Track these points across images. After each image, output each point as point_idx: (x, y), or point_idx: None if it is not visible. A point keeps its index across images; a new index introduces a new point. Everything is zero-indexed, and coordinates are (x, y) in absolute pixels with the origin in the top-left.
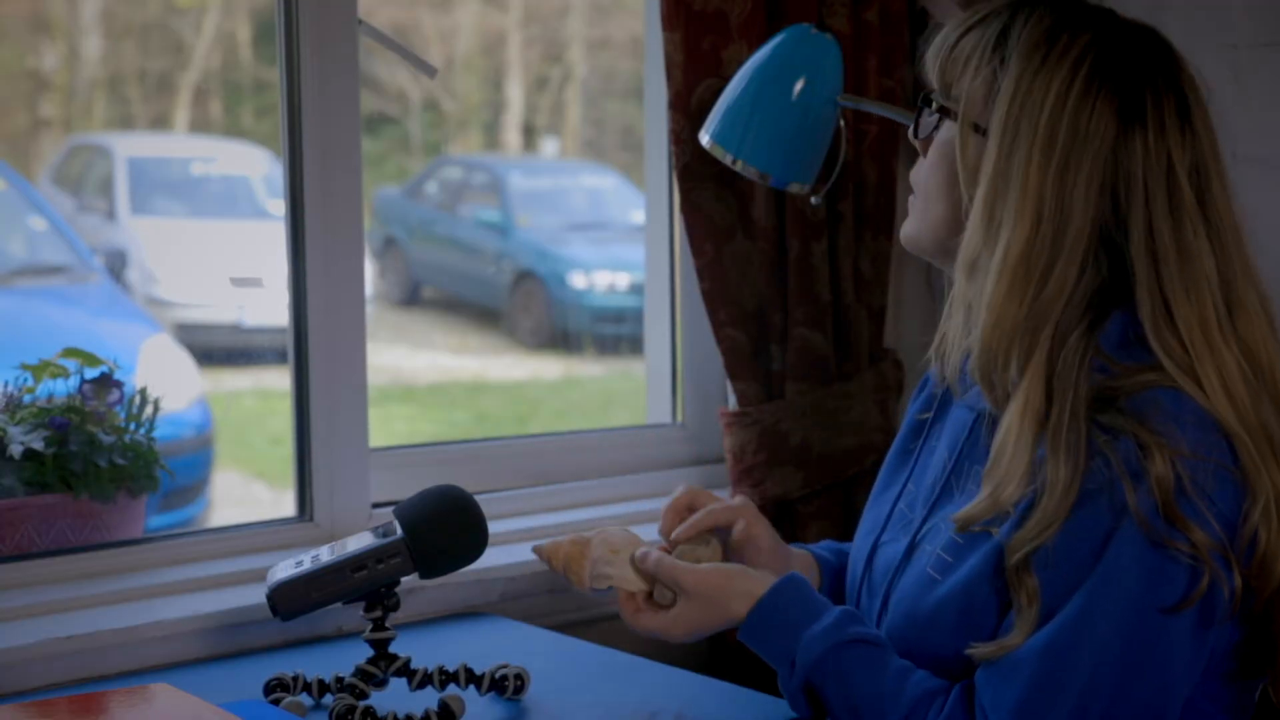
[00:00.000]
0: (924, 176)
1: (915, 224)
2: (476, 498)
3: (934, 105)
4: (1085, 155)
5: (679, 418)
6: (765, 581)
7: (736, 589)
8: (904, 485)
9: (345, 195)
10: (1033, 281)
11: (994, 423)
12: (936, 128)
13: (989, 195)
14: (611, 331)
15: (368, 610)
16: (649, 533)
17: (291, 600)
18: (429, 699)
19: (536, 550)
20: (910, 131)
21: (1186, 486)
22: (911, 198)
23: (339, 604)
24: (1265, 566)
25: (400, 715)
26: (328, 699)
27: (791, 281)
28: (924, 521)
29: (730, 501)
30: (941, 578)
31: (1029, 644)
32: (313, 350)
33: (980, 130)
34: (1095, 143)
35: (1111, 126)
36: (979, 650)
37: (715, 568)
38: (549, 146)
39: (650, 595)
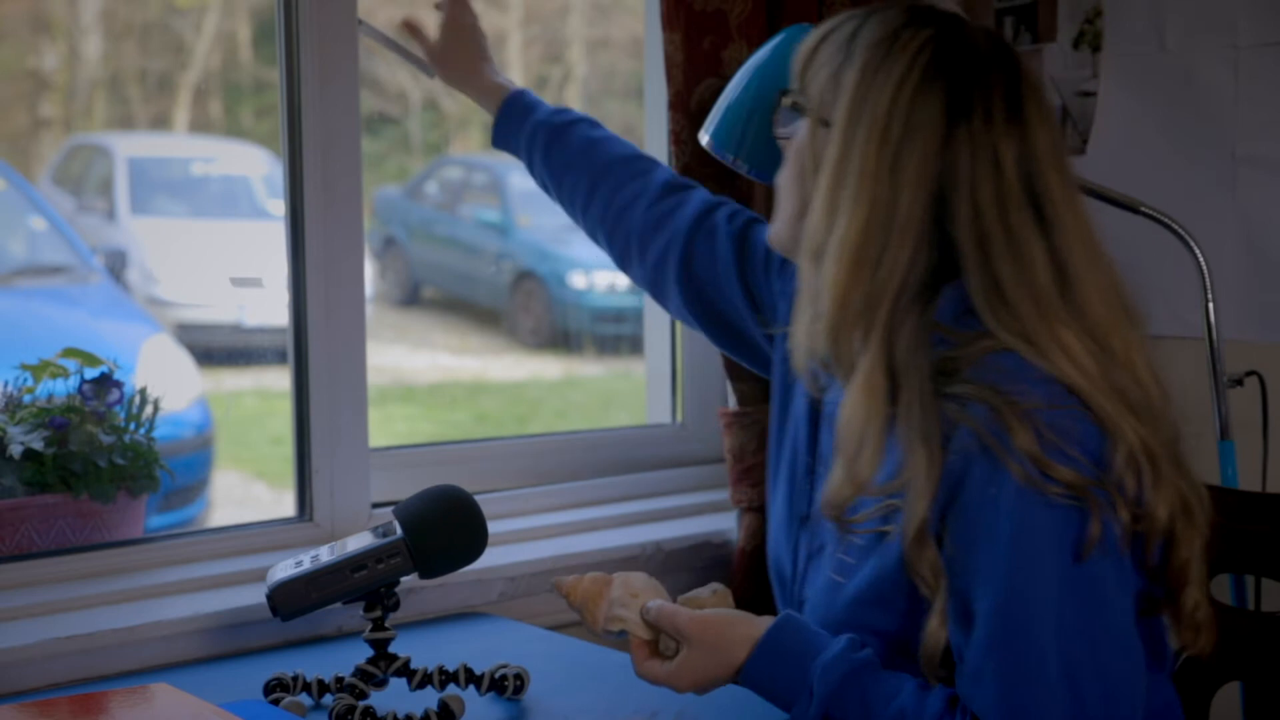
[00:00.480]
0: (781, 176)
1: (775, 223)
2: (476, 498)
3: (789, 103)
4: (916, 146)
5: (679, 418)
6: (766, 625)
7: (738, 634)
8: (803, 485)
9: (345, 195)
10: (869, 264)
11: None
12: (794, 127)
13: (830, 184)
14: (611, 331)
15: (368, 610)
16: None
17: (291, 600)
18: (429, 699)
19: (557, 584)
20: (774, 130)
21: (1047, 435)
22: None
23: (339, 604)
24: (1145, 511)
25: (400, 715)
26: (328, 699)
27: None
28: (823, 521)
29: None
30: (845, 580)
31: (976, 644)
32: (313, 350)
33: (826, 124)
34: (925, 134)
35: (941, 119)
36: (926, 647)
37: (717, 613)
38: None
39: (657, 645)
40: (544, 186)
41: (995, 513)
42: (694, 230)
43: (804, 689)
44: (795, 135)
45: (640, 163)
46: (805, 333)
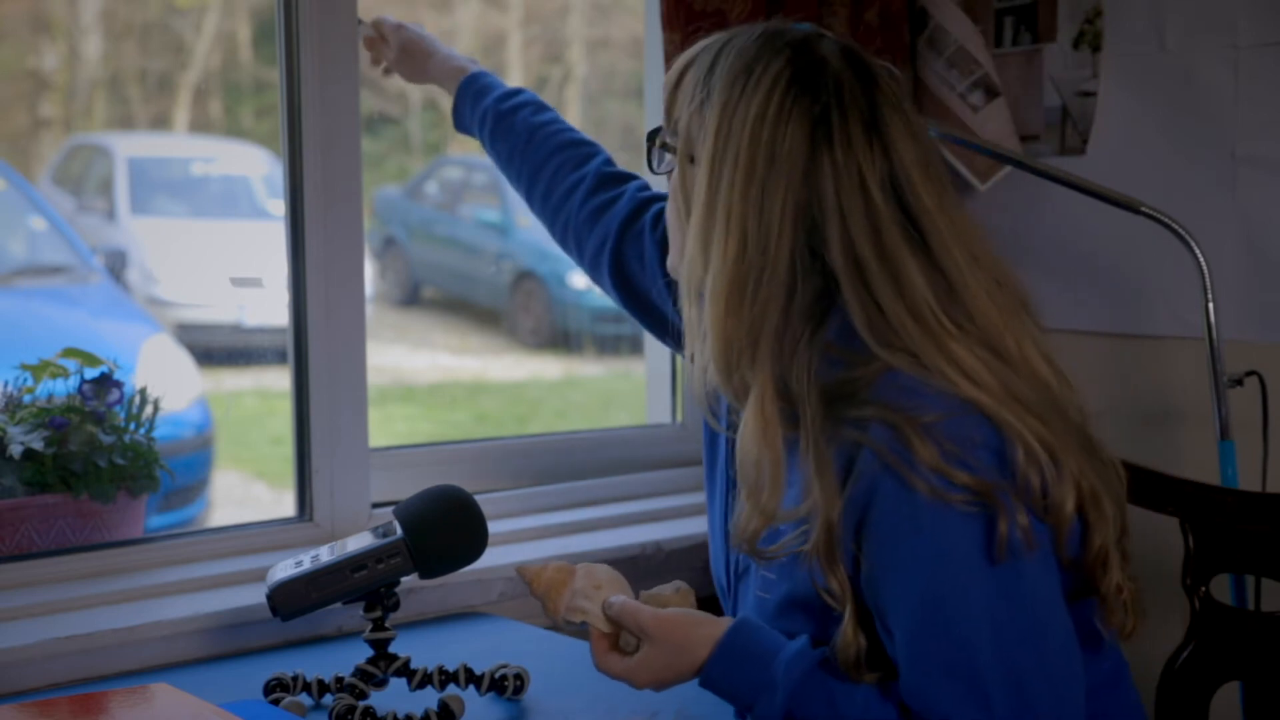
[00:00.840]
0: (667, 210)
1: (671, 257)
2: (476, 498)
3: (658, 141)
4: (780, 177)
5: (679, 418)
6: (725, 624)
7: (699, 634)
8: (726, 500)
9: (345, 195)
10: (745, 298)
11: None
12: (668, 163)
13: (702, 222)
14: (611, 331)
15: (368, 610)
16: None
17: (291, 600)
18: (429, 699)
19: (520, 570)
20: (650, 167)
21: (948, 446)
22: None
23: (339, 604)
24: (1052, 506)
25: (400, 715)
26: (328, 699)
27: None
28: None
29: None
30: (769, 595)
31: (904, 660)
32: (312, 350)
33: (693, 160)
34: (788, 165)
35: (803, 148)
36: (842, 657)
37: (679, 613)
38: None
39: (617, 640)
40: (500, 169)
41: (909, 530)
42: (623, 231)
43: (767, 686)
44: (670, 172)
45: (579, 149)
46: (697, 371)
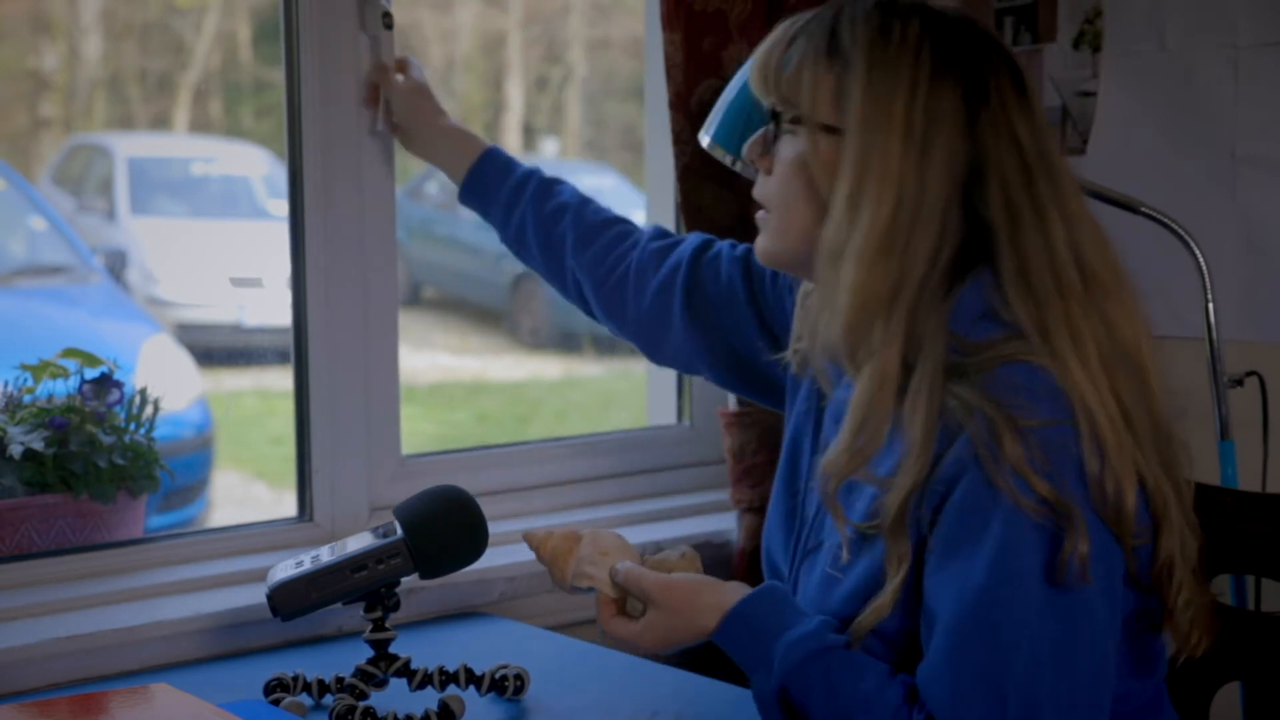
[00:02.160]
0: (775, 190)
1: (773, 239)
2: (478, 498)
3: (783, 118)
4: (939, 137)
5: (687, 418)
6: (737, 593)
7: (705, 602)
8: (804, 485)
9: (346, 195)
10: (894, 254)
11: None
12: (776, 141)
13: (852, 187)
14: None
15: (368, 610)
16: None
17: (291, 600)
18: (429, 699)
19: (526, 536)
20: (748, 151)
21: (1038, 456)
22: (761, 215)
23: (339, 604)
24: (1123, 517)
25: (400, 715)
26: (328, 699)
27: None
28: (817, 519)
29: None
30: (842, 575)
31: (936, 647)
32: (313, 350)
33: (832, 130)
34: (948, 125)
35: (960, 108)
36: (861, 619)
37: (685, 578)
38: (549, 146)
39: (624, 605)
40: (519, 236)
41: (980, 524)
42: (697, 257)
43: (765, 663)
44: (783, 150)
45: (628, 222)
46: (824, 329)
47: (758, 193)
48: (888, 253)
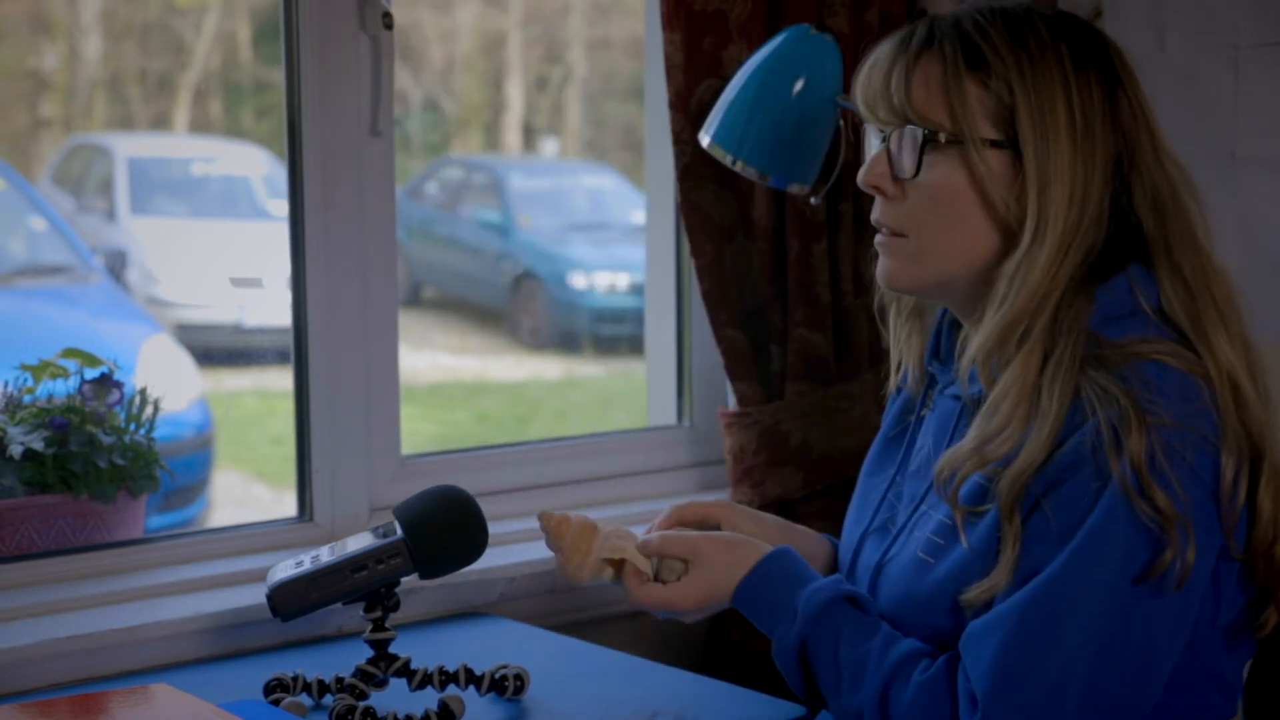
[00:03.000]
0: (921, 213)
1: (921, 265)
2: (478, 498)
3: (939, 137)
4: (1096, 132)
5: (687, 419)
6: (767, 548)
7: (743, 555)
8: (893, 478)
9: (346, 195)
10: (1068, 255)
11: (978, 407)
12: (920, 162)
13: (1039, 198)
14: (612, 332)
15: (368, 610)
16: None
17: (291, 600)
18: (429, 699)
19: (542, 517)
20: (873, 179)
21: (1160, 457)
22: (888, 239)
23: (339, 604)
24: (1256, 522)
25: (400, 715)
26: (328, 699)
27: (791, 282)
28: (915, 511)
29: (706, 500)
30: (934, 560)
31: (1006, 605)
32: (313, 350)
33: (998, 144)
34: (1099, 120)
35: (1105, 98)
36: (969, 594)
37: (720, 535)
38: (549, 147)
39: (655, 577)
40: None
41: (1085, 507)
42: None
43: (789, 611)
44: (927, 171)
45: None
46: (981, 335)
47: (888, 219)
48: (1066, 254)
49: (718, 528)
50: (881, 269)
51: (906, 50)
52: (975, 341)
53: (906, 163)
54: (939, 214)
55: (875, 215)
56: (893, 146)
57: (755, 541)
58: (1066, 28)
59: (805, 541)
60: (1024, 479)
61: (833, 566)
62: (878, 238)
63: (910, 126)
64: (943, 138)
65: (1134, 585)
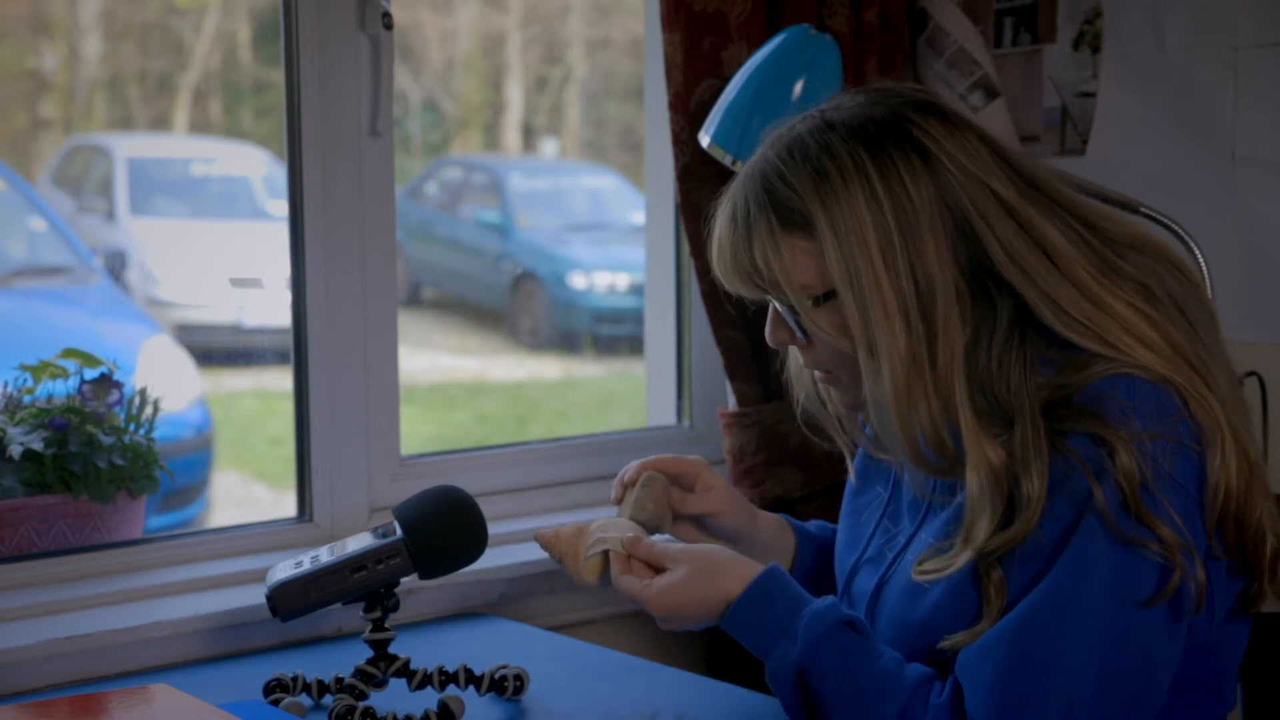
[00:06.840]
0: (827, 356)
1: (861, 390)
2: (477, 499)
3: (804, 307)
4: (921, 222)
5: (687, 419)
6: (759, 566)
7: (730, 569)
8: (886, 503)
9: (346, 196)
10: (924, 367)
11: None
12: (801, 327)
13: (864, 337)
14: (611, 332)
15: (367, 611)
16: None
17: (291, 601)
18: (429, 699)
19: (538, 537)
20: (776, 341)
21: (1149, 478)
22: (825, 377)
23: (339, 604)
24: (1241, 517)
25: (400, 715)
26: (328, 699)
27: None
28: (911, 537)
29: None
30: (929, 585)
31: (999, 626)
32: (313, 350)
33: (829, 296)
34: (921, 205)
35: (922, 179)
36: (953, 640)
37: (708, 546)
38: (549, 147)
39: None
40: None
41: (1070, 534)
42: None
43: (787, 633)
44: (820, 324)
45: None
46: (909, 464)
47: (811, 364)
48: (920, 368)
49: (692, 487)
50: (836, 398)
51: (735, 228)
52: (909, 480)
53: (794, 327)
54: (846, 357)
55: (802, 361)
56: (780, 309)
57: (744, 560)
58: (860, 127)
59: (768, 529)
60: (1012, 545)
61: (796, 554)
62: (817, 375)
63: (777, 299)
64: (784, 305)
65: (1139, 608)
